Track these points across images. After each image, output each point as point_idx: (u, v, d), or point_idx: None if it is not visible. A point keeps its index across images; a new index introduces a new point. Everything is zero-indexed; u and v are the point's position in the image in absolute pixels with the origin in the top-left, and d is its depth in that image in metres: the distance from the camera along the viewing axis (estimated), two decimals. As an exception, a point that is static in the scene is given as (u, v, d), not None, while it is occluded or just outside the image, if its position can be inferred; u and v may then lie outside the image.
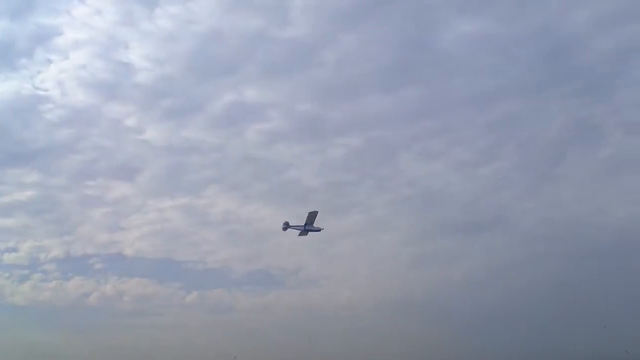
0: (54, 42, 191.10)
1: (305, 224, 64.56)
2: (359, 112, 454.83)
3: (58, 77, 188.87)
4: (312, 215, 62.82)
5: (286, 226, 62.68)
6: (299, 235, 64.83)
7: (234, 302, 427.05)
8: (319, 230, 65.08)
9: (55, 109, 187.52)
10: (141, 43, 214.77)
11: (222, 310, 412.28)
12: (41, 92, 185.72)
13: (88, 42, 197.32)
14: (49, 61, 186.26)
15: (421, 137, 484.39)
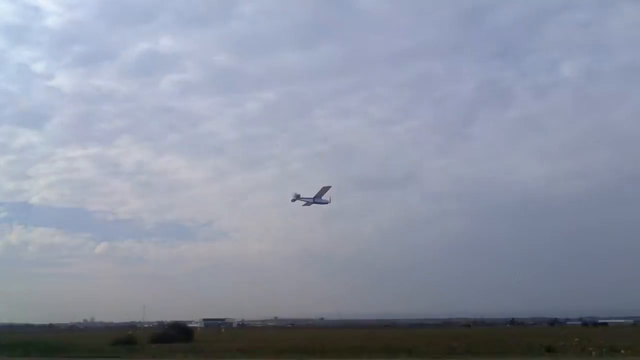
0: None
1: (315, 197, 62.61)
2: (276, 66, 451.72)
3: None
4: (324, 190, 61.21)
5: (296, 197, 60.60)
6: (302, 205, 62.99)
7: (145, 253, 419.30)
8: (326, 202, 63.37)
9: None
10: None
11: (132, 260, 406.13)
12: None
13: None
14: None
15: (337, 94, 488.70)
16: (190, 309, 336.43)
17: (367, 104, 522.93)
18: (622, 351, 42.85)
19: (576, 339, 64.54)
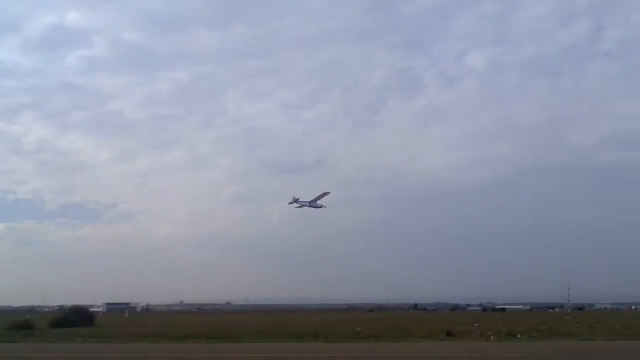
0: None
1: (312, 201, 62.12)
2: (187, 46, 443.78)
3: None
4: (323, 195, 60.97)
5: (294, 200, 59.96)
6: (295, 207, 62.59)
7: (46, 234, 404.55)
8: (321, 206, 63.15)
9: None
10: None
11: (32, 242, 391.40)
12: None
13: None
14: None
15: (248, 76, 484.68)
16: (92, 293, 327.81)
17: (278, 88, 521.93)
18: (519, 335, 44.27)
19: (476, 324, 66.41)
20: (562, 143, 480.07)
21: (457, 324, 65.38)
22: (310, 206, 65.50)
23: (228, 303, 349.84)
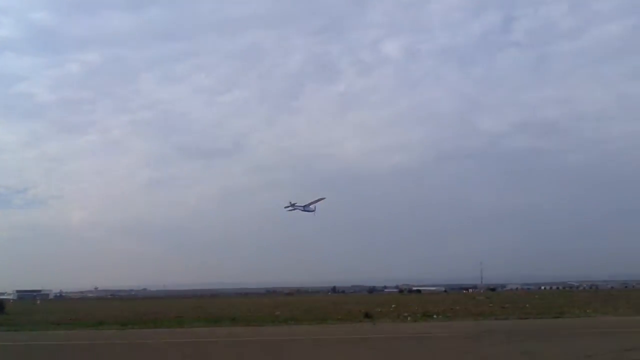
0: None
1: (305, 205, 62.00)
2: (99, 27, 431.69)
3: None
4: (317, 200, 61.21)
5: (290, 205, 59.95)
6: (288, 211, 62.80)
7: None
8: (311, 211, 63.25)
9: None
10: None
11: None
12: None
13: None
14: None
15: (164, 60, 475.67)
16: (2, 281, 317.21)
17: (195, 72, 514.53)
18: (435, 316, 45.12)
19: (393, 305, 67.39)
20: (474, 130, 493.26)
21: (374, 306, 66.12)
22: (304, 210, 67.38)
23: (144, 289, 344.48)
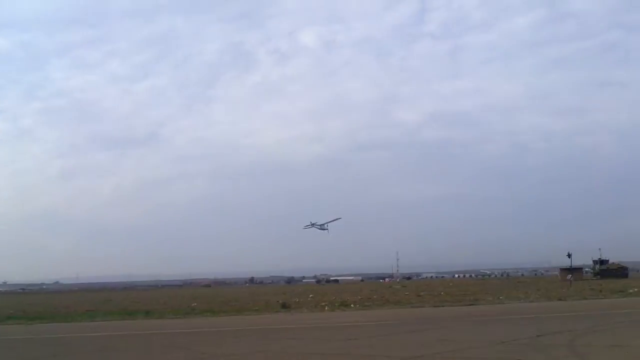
0: None
1: (323, 224, 64.75)
2: (7, 12, 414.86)
3: None
4: (334, 220, 64.32)
5: (310, 224, 62.26)
6: (306, 229, 66.22)
7: None
8: (324, 229, 66.68)
9: None
10: None
11: None
12: None
13: None
14: None
15: (76, 46, 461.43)
16: None
17: (109, 59, 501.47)
18: (352, 305, 45.27)
19: (311, 295, 67.46)
20: (391, 120, 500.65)
21: (292, 296, 66.01)
22: (320, 228, 69.41)
23: (56, 282, 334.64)
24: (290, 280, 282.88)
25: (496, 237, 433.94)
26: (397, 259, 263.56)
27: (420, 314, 33.79)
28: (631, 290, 50.83)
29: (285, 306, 44.74)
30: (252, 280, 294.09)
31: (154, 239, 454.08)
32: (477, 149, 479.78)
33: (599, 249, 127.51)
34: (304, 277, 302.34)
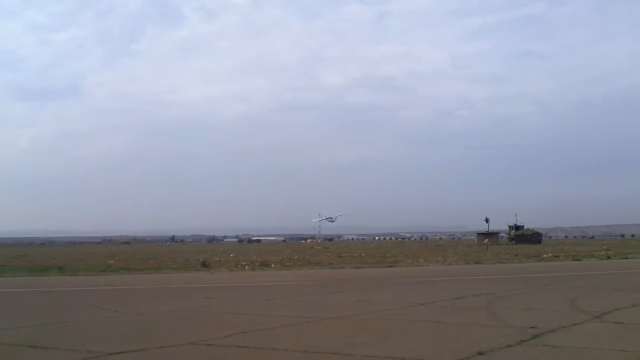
0: None
1: (332, 218, 66.88)
2: None
3: None
4: (341, 215, 65.08)
5: (323, 218, 60.89)
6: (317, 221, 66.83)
7: None
8: (333, 221, 71.02)
9: None
10: None
11: None
12: None
13: None
14: None
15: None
16: None
17: (26, 7, 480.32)
18: (273, 265, 45.04)
19: (232, 255, 67.01)
20: (316, 83, 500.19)
21: (213, 255, 65.48)
22: (328, 220, 71.22)
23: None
24: (212, 240, 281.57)
25: (416, 201, 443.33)
26: (320, 220, 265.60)
27: (340, 275, 33.76)
28: (545, 256, 52.34)
29: (205, 265, 44.11)
30: (173, 238, 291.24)
31: (74, 194, 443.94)
32: (401, 115, 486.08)
33: (515, 214, 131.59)
34: (225, 237, 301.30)
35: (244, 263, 47.08)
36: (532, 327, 12.26)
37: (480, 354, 9.76)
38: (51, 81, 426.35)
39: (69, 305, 20.46)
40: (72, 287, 28.13)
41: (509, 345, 10.45)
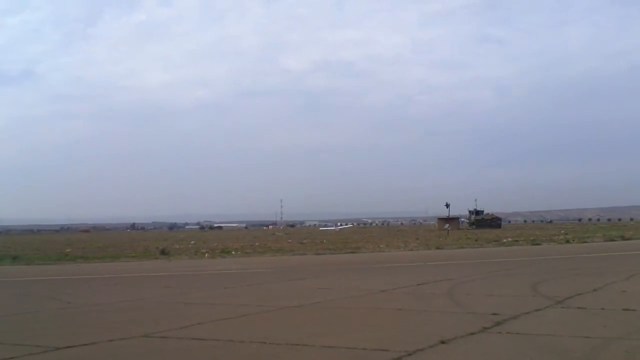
0: None
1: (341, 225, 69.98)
2: None
3: None
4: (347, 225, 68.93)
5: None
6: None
7: None
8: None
9: None
10: None
11: None
12: None
13: None
14: None
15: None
16: None
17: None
18: (233, 252, 44.59)
19: (192, 242, 66.32)
20: (276, 67, 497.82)
21: (173, 243, 64.77)
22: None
23: None
24: (173, 227, 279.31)
25: (378, 186, 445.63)
26: (281, 207, 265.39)
27: (301, 262, 33.48)
28: (505, 240, 52.78)
29: (164, 253, 43.45)
30: (133, 226, 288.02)
31: (30, 181, 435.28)
32: (362, 100, 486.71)
33: (475, 200, 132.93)
34: (187, 224, 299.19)
35: (204, 250, 46.50)
36: (494, 314, 12.09)
37: (443, 342, 9.52)
38: (5, 66, 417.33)
39: (20, 296, 19.82)
40: (25, 277, 27.37)
41: (472, 333, 10.24)
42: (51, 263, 37.20)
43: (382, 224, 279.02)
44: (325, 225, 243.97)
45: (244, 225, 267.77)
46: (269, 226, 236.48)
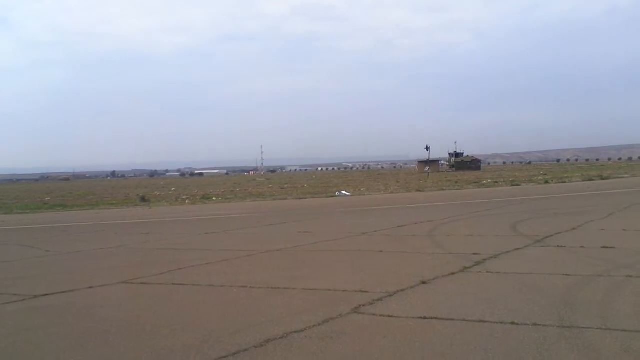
0: None
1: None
2: None
3: None
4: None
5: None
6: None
7: None
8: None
9: None
10: None
11: None
12: None
13: None
14: None
15: None
16: None
17: None
18: (214, 198, 44.54)
19: (172, 189, 66.10)
20: (255, 11, 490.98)
21: (154, 190, 64.49)
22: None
23: None
24: (153, 174, 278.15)
25: (358, 130, 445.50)
26: (262, 153, 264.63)
27: (281, 207, 33.48)
28: (484, 182, 53.09)
29: (144, 200, 43.30)
30: (113, 173, 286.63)
31: (9, 130, 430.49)
32: (342, 44, 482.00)
33: (455, 142, 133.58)
34: (167, 171, 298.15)
35: (184, 197, 46.42)
36: (474, 254, 12.12)
37: (424, 282, 9.51)
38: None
39: (2, 244, 19.65)
40: (3, 227, 27.14)
41: (452, 273, 10.24)
42: (30, 212, 36.96)
43: (363, 168, 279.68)
44: (307, 170, 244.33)
45: (225, 171, 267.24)
46: (250, 172, 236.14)
